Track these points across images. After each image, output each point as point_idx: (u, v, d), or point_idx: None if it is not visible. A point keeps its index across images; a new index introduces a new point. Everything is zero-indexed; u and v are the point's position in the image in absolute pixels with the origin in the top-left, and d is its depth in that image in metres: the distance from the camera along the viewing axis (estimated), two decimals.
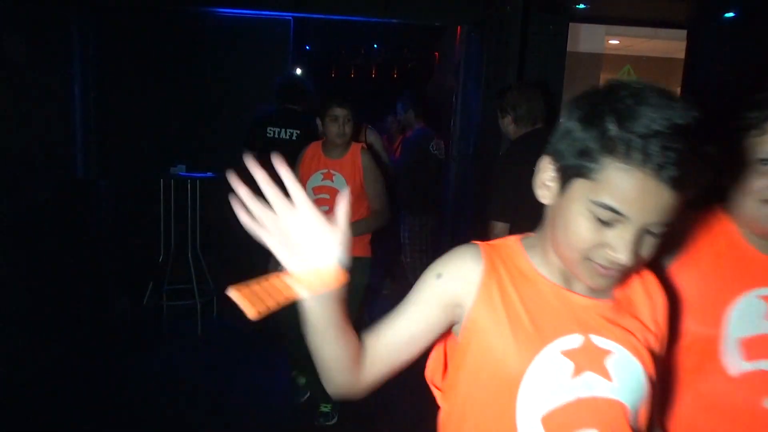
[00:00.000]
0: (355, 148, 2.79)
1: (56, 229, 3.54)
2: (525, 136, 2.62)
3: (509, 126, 2.66)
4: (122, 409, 3.06)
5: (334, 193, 2.65)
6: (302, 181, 2.61)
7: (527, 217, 2.55)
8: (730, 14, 3.53)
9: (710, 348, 1.04)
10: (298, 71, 8.00)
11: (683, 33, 3.92)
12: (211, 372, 3.53)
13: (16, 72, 3.31)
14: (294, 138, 3.82)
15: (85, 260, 3.85)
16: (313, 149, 2.81)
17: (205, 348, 3.92)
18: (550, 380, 0.84)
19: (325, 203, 2.61)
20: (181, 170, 4.00)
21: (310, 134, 3.82)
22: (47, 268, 3.49)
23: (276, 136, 3.81)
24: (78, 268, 3.76)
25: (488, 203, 2.63)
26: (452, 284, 0.89)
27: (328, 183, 2.72)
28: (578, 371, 0.85)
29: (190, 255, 4.06)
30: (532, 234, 0.99)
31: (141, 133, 4.31)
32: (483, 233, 2.69)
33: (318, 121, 2.74)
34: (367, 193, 2.77)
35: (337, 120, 2.69)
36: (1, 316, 3.11)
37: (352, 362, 0.85)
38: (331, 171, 2.73)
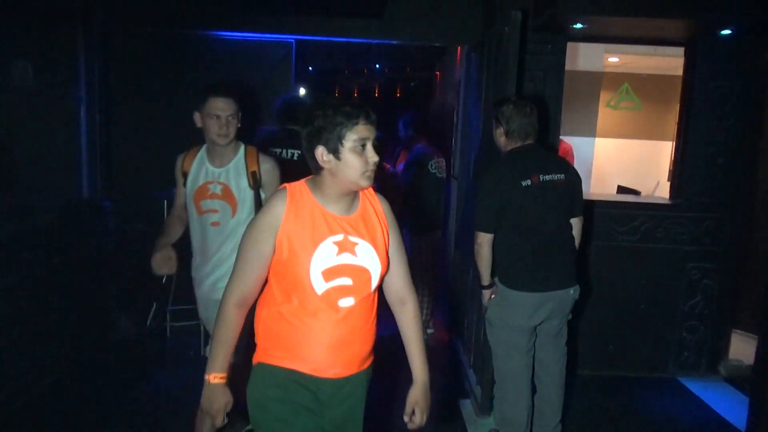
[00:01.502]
0: (365, 194, 1.71)
1: (61, 250, 3.57)
2: (514, 151, 2.65)
3: (501, 137, 2.71)
4: (126, 431, 3.05)
5: (361, 278, 1.62)
6: (300, 259, 1.56)
7: (512, 227, 2.60)
8: (727, 31, 3.56)
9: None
10: (302, 92, 8.09)
11: (682, 50, 3.95)
12: None
13: (24, 96, 3.36)
14: (295, 158, 3.85)
15: (89, 281, 3.87)
16: (301, 195, 1.61)
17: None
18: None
19: (346, 293, 1.61)
20: None
21: None
22: (51, 289, 3.51)
23: (278, 156, 3.85)
24: (82, 290, 3.78)
25: (474, 214, 2.66)
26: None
27: (349, 259, 1.60)
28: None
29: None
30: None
31: (146, 153, 4.36)
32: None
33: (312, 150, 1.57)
34: (394, 270, 1.75)
35: (366, 147, 1.57)
36: (5, 337, 3.12)
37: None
38: (351, 238, 1.61)
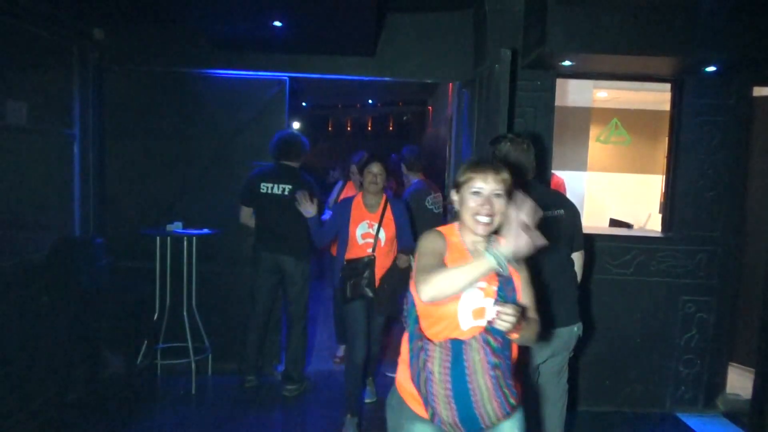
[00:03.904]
0: None
1: (51, 287, 3.53)
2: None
3: None
4: None
5: None
6: None
7: None
8: (712, 68, 3.64)
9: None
10: (296, 126, 8.16)
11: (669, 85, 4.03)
12: (205, 431, 3.45)
13: (17, 135, 3.37)
14: (286, 193, 3.87)
15: (80, 319, 3.81)
16: None
17: (199, 407, 3.84)
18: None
19: None
20: (177, 227, 4.02)
21: (304, 189, 3.87)
22: (40, 327, 3.45)
23: (269, 191, 3.87)
24: (72, 327, 3.73)
25: None
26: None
27: None
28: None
29: (185, 312, 4.03)
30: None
31: (139, 190, 4.36)
32: None
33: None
34: None
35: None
36: None
37: None
38: None
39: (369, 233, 3.48)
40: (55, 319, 3.56)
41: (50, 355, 3.54)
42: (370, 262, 3.44)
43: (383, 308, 3.51)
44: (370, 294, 3.40)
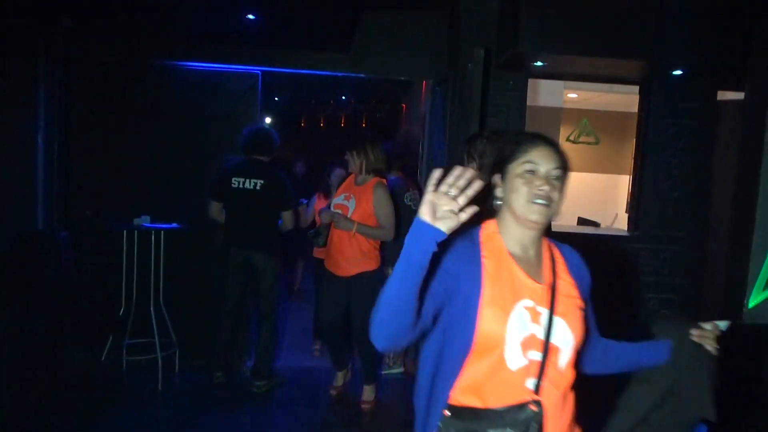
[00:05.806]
0: None
1: (13, 282, 3.43)
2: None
3: None
4: None
5: None
6: None
7: None
8: (679, 72, 3.74)
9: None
10: (268, 121, 8.09)
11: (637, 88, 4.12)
12: (171, 429, 3.40)
13: None
14: (258, 188, 3.83)
15: (43, 314, 3.72)
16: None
17: (165, 404, 3.78)
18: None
19: None
20: (145, 221, 3.95)
21: (275, 184, 3.84)
22: (2, 323, 3.36)
23: (240, 186, 3.83)
24: (35, 323, 3.63)
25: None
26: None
27: None
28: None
29: (152, 308, 3.97)
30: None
31: (106, 183, 4.26)
32: None
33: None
34: None
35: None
36: None
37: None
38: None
39: (535, 338, 1.34)
40: (17, 314, 3.47)
41: (11, 352, 3.44)
42: (533, 420, 1.29)
43: None
44: None
